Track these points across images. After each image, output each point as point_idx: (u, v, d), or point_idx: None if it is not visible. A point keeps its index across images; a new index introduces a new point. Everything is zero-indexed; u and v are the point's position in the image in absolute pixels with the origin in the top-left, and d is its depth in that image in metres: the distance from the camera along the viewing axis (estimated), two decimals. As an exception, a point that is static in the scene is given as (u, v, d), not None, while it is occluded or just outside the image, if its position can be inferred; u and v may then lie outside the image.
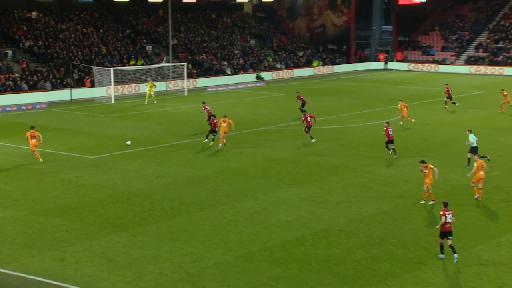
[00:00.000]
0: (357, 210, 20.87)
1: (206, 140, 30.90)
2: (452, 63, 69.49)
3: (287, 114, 40.03)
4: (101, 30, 57.50)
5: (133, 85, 50.23)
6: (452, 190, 22.95)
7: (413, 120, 35.63)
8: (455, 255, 16.46)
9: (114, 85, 47.03)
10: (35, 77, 47.47)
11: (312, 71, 66.50)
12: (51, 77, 48.36)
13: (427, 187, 21.14)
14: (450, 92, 41.93)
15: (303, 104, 38.76)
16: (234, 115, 39.28)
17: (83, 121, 37.56)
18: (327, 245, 17.78)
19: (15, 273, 15.71)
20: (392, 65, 71.18)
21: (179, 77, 52.98)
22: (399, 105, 35.79)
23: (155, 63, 55.31)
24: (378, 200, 21.87)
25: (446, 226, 16.57)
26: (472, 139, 25.71)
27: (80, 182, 23.89)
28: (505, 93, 40.41)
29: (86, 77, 48.89)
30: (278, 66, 66.07)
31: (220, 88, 53.83)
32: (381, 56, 73.31)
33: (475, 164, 21.28)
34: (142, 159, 27.70)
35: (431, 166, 21.13)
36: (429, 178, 20.99)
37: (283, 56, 68.54)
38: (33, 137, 26.80)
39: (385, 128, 28.18)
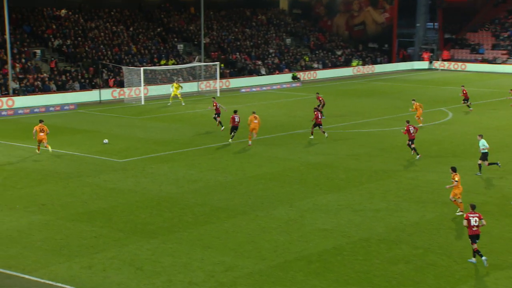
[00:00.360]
0: (398, 218, 20.60)
1: (231, 140, 31.18)
2: (503, 62, 68.06)
3: (325, 116, 39.83)
4: (131, 28, 58.36)
5: (163, 86, 50.79)
6: (503, 199, 22.44)
7: (420, 122, 35.24)
8: (483, 257, 16.59)
9: (144, 85, 47.62)
10: (63, 77, 48.47)
11: (351, 71, 66.06)
12: (79, 77, 49.30)
13: (457, 196, 20.69)
14: (466, 93, 41.21)
15: (322, 105, 38.63)
16: (269, 117, 39.27)
17: (112, 123, 38.11)
18: (366, 255, 17.60)
19: (42, 280, 15.99)
20: (437, 64, 70.15)
21: (211, 77, 53.32)
22: (414, 105, 35.79)
23: (186, 63, 55.80)
24: (421, 208, 21.55)
25: (473, 229, 16.78)
26: (483, 145, 25.55)
27: (108, 186, 24.22)
28: None
29: (110, 77, 49.68)
30: (315, 65, 65.83)
31: (254, 89, 53.96)
32: (426, 55, 72.34)
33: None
34: (172, 163, 27.94)
35: (459, 178, 20.65)
36: (458, 188, 20.70)
37: (320, 55, 68.28)
38: (41, 130, 28.49)
39: (405, 128, 28.28)
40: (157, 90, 50.25)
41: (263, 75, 58.90)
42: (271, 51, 64.77)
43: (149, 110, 42.97)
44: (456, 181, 20.69)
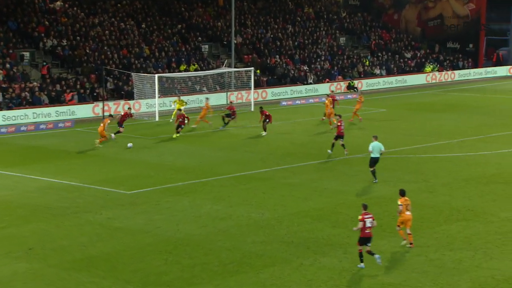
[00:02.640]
0: (489, 271, 20.27)
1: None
2: None
3: (388, 136, 39.68)
4: (143, 25, 59.38)
5: (183, 98, 51.25)
6: None
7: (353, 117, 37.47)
8: (376, 255, 19.94)
9: (159, 96, 48.17)
10: (58, 87, 49.43)
11: (424, 79, 65.74)
12: (78, 86, 50.22)
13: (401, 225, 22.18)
14: None
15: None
16: (316, 137, 39.23)
17: (118, 145, 38.52)
18: (445, 319, 17.36)
19: None
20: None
21: (244, 86, 53.66)
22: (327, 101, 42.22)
23: (212, 68, 56.30)
24: (519, 258, 21.18)
25: (366, 231, 20.00)
26: (372, 147, 28.73)
27: (113, 225, 24.40)
28: None
29: (68, 91, 48.28)
30: (378, 71, 65.77)
31: (298, 101, 54.16)
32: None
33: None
34: (194, 195, 28.08)
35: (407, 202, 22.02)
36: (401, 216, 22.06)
37: (384, 59, 68.19)
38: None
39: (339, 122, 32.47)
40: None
41: (310, 83, 59.08)
42: (320, 53, 65.02)
43: (165, 129, 43.40)
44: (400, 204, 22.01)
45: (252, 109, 49.63)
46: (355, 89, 59.21)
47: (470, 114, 47.80)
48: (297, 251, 21.87)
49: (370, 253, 20.18)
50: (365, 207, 20.47)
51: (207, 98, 46.65)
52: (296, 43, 65.18)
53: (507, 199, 27.26)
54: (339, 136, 34.17)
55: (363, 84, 61.30)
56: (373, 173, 29.75)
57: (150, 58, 55.46)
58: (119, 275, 20.17)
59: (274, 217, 25.14)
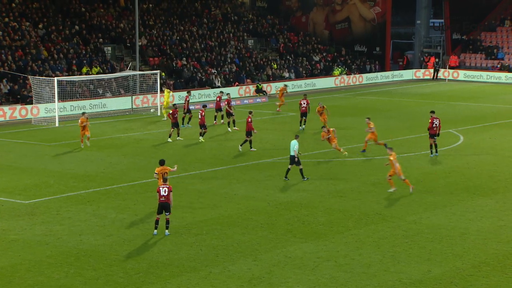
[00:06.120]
0: (396, 275, 20.80)
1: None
2: (528, 70, 70.06)
3: (299, 140, 40.18)
4: (40, 25, 58.12)
5: (85, 102, 50.49)
6: None
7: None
8: (167, 231, 23.73)
9: (59, 101, 47.31)
10: None
11: (332, 82, 66.94)
12: (-29, 90, 48.66)
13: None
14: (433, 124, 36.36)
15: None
16: (225, 142, 39.32)
17: (14, 152, 37.62)
18: (355, 324, 17.72)
19: None
20: (443, 73, 71.70)
21: (150, 90, 53.30)
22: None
23: (116, 71, 55.68)
24: (426, 262, 21.83)
25: (162, 199, 23.66)
26: (292, 145, 30.76)
27: (9, 238, 23.82)
28: None
29: None
30: (286, 75, 66.55)
31: (209, 106, 53.95)
32: (429, 61, 73.90)
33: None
34: (97, 204, 27.69)
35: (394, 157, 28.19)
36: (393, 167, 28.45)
37: (292, 62, 69.09)
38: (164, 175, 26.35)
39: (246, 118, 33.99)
40: (76, 107, 49.91)
41: (218, 87, 59.21)
42: (228, 56, 65.28)
43: (66, 135, 42.60)
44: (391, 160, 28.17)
45: (159, 114, 49.31)
46: (264, 93, 59.72)
47: (377, 118, 48.86)
48: (205, 259, 21.88)
49: (167, 223, 23.91)
50: (164, 179, 24.61)
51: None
52: (203, 45, 65.20)
53: (413, 203, 28.05)
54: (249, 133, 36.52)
55: (272, 88, 61.84)
56: (287, 171, 31.14)
57: (48, 60, 54.31)
58: (17, 289, 19.67)
59: (181, 225, 25.07)
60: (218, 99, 45.81)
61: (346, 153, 35.31)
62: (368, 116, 37.72)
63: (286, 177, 31.17)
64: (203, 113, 39.71)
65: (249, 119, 36.79)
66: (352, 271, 21.03)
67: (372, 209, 27.18)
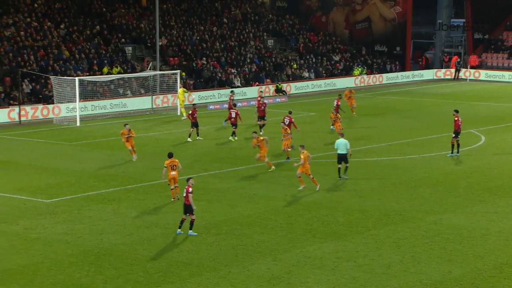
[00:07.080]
0: (416, 275, 20.74)
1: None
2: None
3: (318, 140, 40.14)
4: (62, 26, 58.48)
5: (106, 101, 50.75)
6: None
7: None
8: (190, 231, 23.95)
9: (81, 100, 47.56)
10: (-30, 91, 48.15)
11: (352, 82, 66.78)
12: (-7, 90, 49.07)
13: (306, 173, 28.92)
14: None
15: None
16: (244, 142, 39.38)
17: (36, 151, 37.86)
18: (374, 324, 17.69)
19: None
20: (465, 73, 71.26)
21: (170, 90, 53.46)
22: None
23: (136, 71, 55.88)
24: (447, 262, 21.75)
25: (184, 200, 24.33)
26: (337, 145, 31.07)
27: (30, 236, 23.98)
28: None
29: None
30: (306, 74, 66.46)
31: (225, 105, 53.97)
32: (450, 61, 73.47)
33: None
34: (117, 203, 27.82)
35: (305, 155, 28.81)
36: (303, 166, 28.87)
37: (312, 62, 69.00)
38: (173, 168, 27.94)
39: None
40: (97, 107, 50.20)
41: (238, 87, 59.26)
42: (248, 56, 65.32)
43: (87, 134, 42.84)
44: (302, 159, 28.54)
45: (178, 113, 49.45)
46: (283, 92, 59.66)
47: (397, 118, 48.79)
48: (225, 259, 21.92)
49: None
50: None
51: None
52: (223, 45, 65.28)
53: (434, 203, 27.96)
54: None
55: (292, 88, 61.83)
56: (339, 170, 31.26)
57: (69, 60, 54.64)
58: (38, 288, 19.82)
59: (201, 225, 25.13)
60: (230, 98, 45.78)
61: (273, 167, 32.90)
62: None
63: (340, 177, 31.23)
64: (238, 112, 40.29)
65: (291, 120, 37.03)
66: (371, 271, 20.99)
67: (392, 209, 27.11)
